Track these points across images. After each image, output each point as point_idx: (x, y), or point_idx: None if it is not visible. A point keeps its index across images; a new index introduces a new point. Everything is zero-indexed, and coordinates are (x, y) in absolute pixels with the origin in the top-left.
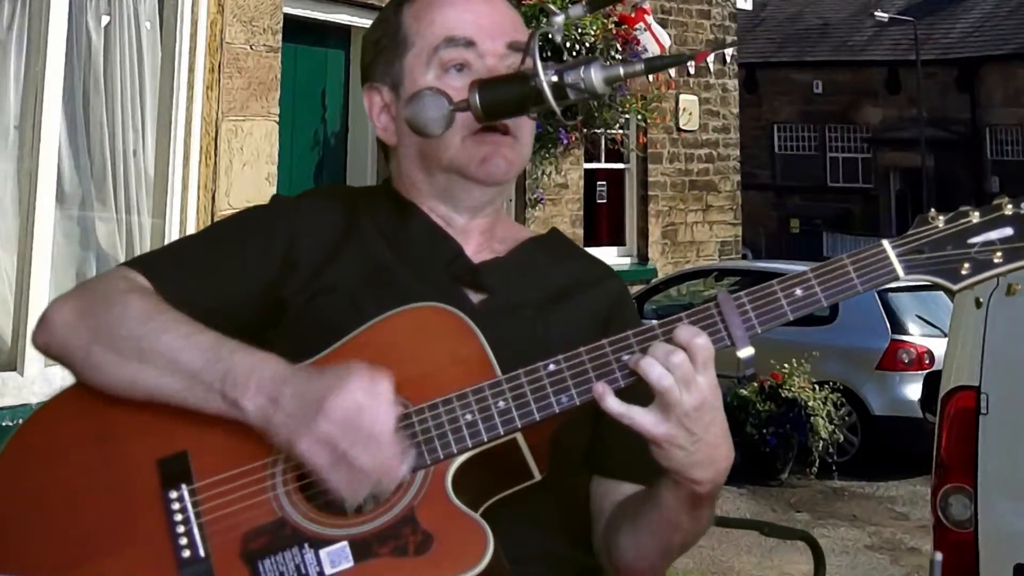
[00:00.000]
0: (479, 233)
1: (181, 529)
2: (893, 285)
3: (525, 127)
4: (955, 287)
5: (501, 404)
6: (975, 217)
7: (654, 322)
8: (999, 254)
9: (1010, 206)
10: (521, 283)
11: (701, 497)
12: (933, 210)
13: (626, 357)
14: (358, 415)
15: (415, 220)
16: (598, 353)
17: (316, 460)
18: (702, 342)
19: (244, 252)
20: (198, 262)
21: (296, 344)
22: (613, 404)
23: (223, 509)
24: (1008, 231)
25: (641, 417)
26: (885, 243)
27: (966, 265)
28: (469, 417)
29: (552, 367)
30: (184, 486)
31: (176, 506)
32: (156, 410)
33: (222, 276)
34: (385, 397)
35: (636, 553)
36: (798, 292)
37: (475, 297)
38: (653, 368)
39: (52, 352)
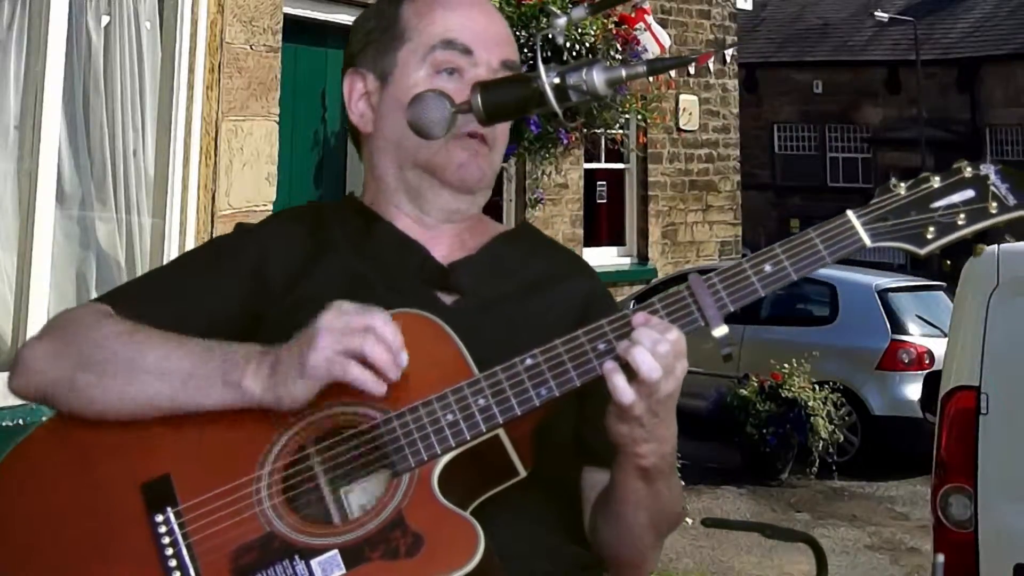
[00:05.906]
0: (451, 236)
1: (169, 552)
2: (893, 285)
3: (500, 139)
4: (922, 251)
5: (481, 402)
6: (936, 182)
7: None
8: (962, 216)
9: (969, 169)
10: (492, 280)
11: (646, 470)
12: (894, 178)
13: (602, 346)
14: (349, 308)
15: (380, 229)
16: (574, 344)
17: (331, 360)
18: (675, 336)
19: (214, 276)
20: (167, 291)
21: None
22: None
23: (210, 528)
24: (970, 193)
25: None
26: (849, 213)
27: (931, 229)
28: (450, 417)
29: (529, 361)
30: (169, 508)
31: (163, 529)
32: (136, 435)
33: (193, 302)
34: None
35: (609, 535)
36: (767, 268)
37: (447, 299)
38: (644, 358)
39: (33, 392)
